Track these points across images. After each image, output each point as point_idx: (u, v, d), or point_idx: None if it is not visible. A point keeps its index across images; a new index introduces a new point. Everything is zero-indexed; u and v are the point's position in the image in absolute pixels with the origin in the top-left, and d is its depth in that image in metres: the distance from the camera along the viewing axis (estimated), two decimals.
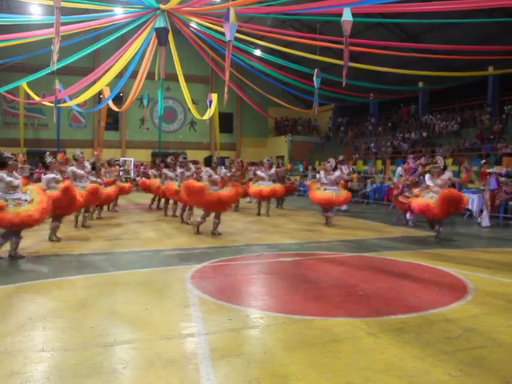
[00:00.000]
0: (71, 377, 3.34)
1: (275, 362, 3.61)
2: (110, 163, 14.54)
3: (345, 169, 16.07)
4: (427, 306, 5.05)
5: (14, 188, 7.29)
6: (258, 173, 14.32)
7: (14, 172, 7.43)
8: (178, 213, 12.99)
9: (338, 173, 12.03)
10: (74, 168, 10.27)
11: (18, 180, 7.37)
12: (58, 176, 8.89)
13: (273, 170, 14.44)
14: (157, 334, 4.20)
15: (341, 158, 16.79)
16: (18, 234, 7.44)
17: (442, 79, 22.04)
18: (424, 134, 24.90)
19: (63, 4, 10.08)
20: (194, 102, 24.14)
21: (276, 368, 3.49)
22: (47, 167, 8.80)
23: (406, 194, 11.28)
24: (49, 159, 8.84)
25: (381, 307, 5.03)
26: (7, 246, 7.48)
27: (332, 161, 11.98)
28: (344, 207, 15.57)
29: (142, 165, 29.62)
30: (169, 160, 13.59)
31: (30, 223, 7.27)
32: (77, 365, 3.52)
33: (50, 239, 9.03)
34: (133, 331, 4.31)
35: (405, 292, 5.69)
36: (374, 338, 4.10)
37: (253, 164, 18.76)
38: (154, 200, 16.03)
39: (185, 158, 12.12)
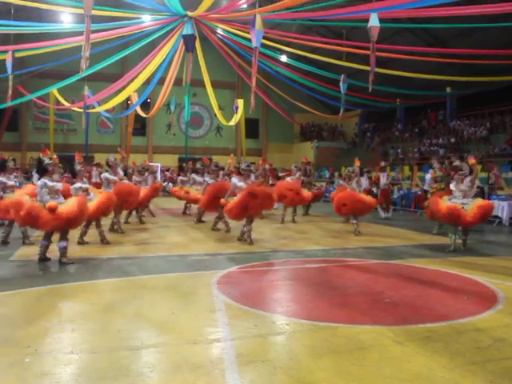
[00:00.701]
0: (99, 379, 3.38)
1: (301, 368, 3.60)
2: (138, 169, 14.70)
3: (384, 176, 15.98)
4: (456, 315, 4.97)
5: (56, 192, 7.54)
6: (288, 179, 14.20)
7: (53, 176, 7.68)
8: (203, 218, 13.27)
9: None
10: (107, 174, 10.55)
11: (59, 184, 7.62)
12: (86, 185, 9.07)
13: (297, 174, 14.33)
14: (183, 338, 4.23)
15: (382, 164, 16.71)
16: (49, 237, 7.61)
17: (470, 84, 21.74)
18: (452, 140, 24.57)
19: (93, 12, 10.24)
20: (220, 108, 24.28)
21: (302, 375, 3.48)
22: (75, 175, 8.95)
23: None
24: (78, 167, 9.00)
25: (408, 315, 4.97)
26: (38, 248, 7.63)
27: (354, 168, 11.81)
28: (384, 214, 15.52)
29: (167, 170, 29.90)
30: (198, 165, 13.66)
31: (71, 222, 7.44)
32: (104, 367, 3.57)
33: (103, 242, 9.53)
34: (159, 335, 4.35)
35: (432, 300, 5.61)
36: (401, 347, 4.05)
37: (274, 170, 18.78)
38: (186, 206, 16.11)
39: (216, 166, 12.02)
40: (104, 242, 9.53)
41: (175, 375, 3.47)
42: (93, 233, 9.79)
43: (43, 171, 7.55)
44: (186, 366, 3.60)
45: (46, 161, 7.64)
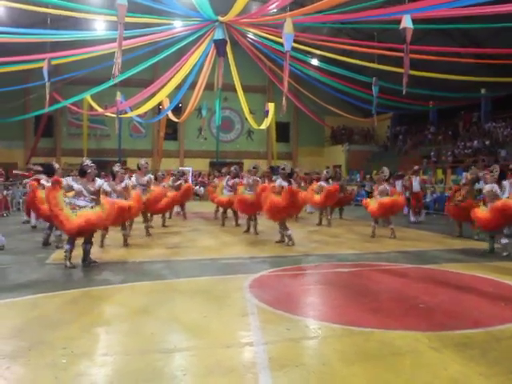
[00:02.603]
0: (133, 381, 3.42)
1: (334, 374, 3.56)
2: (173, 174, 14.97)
3: (416, 180, 15.86)
4: (493, 322, 4.85)
5: (79, 195, 7.55)
6: (321, 183, 14.15)
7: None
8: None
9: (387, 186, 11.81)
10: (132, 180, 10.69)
11: (80, 187, 7.60)
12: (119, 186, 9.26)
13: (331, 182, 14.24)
14: (216, 342, 4.24)
15: (416, 167, 16.56)
16: (73, 241, 7.59)
17: (506, 85, 21.24)
18: (487, 143, 24.06)
19: (126, 19, 10.40)
20: (251, 112, 24.33)
21: (336, 381, 3.44)
22: (114, 177, 9.15)
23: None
24: (116, 168, 9.19)
25: (443, 321, 4.87)
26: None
27: (386, 171, 11.70)
28: (413, 218, 15.44)
29: (199, 175, 30.10)
30: (232, 169, 13.57)
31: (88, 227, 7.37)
32: (138, 370, 3.60)
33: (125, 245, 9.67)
34: (192, 338, 4.37)
35: (468, 306, 5.50)
36: (437, 353, 3.97)
37: (307, 174, 18.87)
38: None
39: (254, 168, 11.98)
40: (125, 244, 9.70)
41: (208, 379, 3.48)
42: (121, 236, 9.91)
43: (82, 173, 7.72)
44: (219, 370, 3.60)
45: (86, 163, 7.76)
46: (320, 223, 14.12)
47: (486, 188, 9.08)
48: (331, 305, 5.63)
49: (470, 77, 17.13)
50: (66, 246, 7.54)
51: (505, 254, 8.98)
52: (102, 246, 9.44)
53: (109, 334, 4.45)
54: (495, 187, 8.93)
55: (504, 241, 9.12)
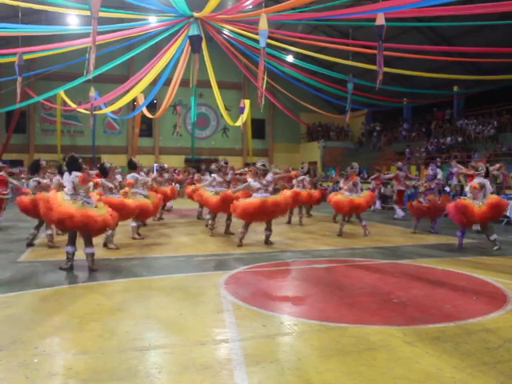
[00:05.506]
0: (107, 380, 3.38)
1: (310, 369, 3.58)
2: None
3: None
4: (465, 315, 4.93)
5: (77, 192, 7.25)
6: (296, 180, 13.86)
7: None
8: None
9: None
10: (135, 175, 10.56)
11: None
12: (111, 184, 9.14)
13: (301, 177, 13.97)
14: (191, 339, 4.22)
15: (399, 164, 16.74)
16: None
17: (478, 83, 21.61)
18: (459, 139, 24.45)
19: (100, 14, 10.27)
20: (226, 109, 24.27)
21: (311, 375, 3.46)
22: (106, 173, 9.03)
23: (421, 199, 11.43)
24: (107, 165, 9.12)
25: (417, 315, 4.94)
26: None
27: (356, 166, 11.77)
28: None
29: (174, 171, 29.93)
30: (213, 167, 13.20)
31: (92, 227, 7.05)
32: (113, 368, 3.57)
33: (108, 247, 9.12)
34: (167, 336, 4.35)
35: (441, 300, 5.57)
36: (411, 347, 4.02)
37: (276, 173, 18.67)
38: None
39: (226, 163, 11.78)
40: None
41: (183, 376, 3.47)
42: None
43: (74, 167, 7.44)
44: (194, 367, 3.59)
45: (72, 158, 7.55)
46: (290, 222, 13.70)
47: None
48: (307, 301, 5.65)
49: (442, 74, 17.40)
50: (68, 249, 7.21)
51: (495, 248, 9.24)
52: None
53: (82, 333, 4.39)
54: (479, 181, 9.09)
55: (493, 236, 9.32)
